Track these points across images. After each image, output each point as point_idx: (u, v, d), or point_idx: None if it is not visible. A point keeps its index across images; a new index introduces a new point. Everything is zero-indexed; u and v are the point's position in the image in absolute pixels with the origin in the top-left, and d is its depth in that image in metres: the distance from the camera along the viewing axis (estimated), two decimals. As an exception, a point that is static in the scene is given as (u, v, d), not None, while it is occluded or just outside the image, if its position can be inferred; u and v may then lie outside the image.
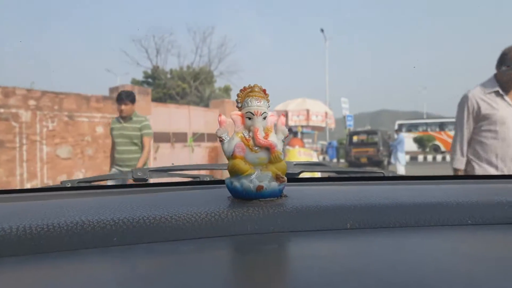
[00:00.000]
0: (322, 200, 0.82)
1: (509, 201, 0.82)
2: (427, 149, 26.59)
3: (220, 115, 0.88)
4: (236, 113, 0.86)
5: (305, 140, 17.60)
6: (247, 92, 0.85)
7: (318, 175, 4.06)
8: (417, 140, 26.63)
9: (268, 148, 0.84)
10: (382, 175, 1.64)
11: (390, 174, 1.62)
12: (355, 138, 20.67)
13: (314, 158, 11.04)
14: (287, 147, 10.52)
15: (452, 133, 30.59)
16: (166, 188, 1.30)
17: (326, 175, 1.75)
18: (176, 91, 31.75)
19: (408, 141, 24.91)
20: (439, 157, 25.02)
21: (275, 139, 0.85)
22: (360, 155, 19.45)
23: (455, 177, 1.54)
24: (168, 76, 33.57)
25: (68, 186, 1.50)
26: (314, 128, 18.13)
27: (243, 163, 0.82)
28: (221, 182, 1.43)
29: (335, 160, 25.23)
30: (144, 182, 1.59)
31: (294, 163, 1.66)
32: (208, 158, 15.12)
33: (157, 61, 35.71)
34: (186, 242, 0.69)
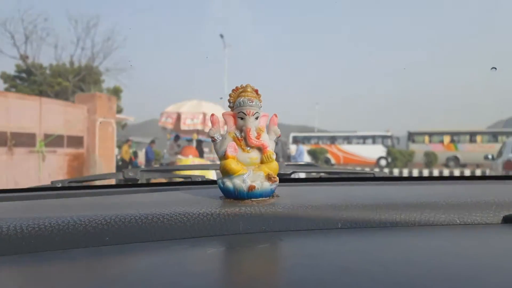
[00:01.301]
0: (313, 199, 0.83)
1: (496, 201, 0.83)
2: (319, 162, 26.63)
3: (212, 115, 0.88)
4: (228, 113, 0.87)
5: (204, 149, 15.59)
6: (239, 92, 0.85)
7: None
8: (311, 153, 26.91)
9: (260, 148, 0.84)
10: (372, 175, 1.66)
11: (381, 175, 1.63)
12: None
13: (211, 171, 10.32)
14: (179, 156, 9.83)
15: (341, 146, 27.07)
16: (158, 188, 1.30)
17: (317, 175, 1.75)
18: (55, 90, 26.55)
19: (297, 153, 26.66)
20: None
21: (267, 139, 0.86)
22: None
23: (445, 177, 1.55)
24: (47, 72, 28.39)
25: (59, 186, 1.49)
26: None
27: (235, 163, 0.83)
28: (213, 182, 1.43)
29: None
30: (135, 183, 1.58)
31: (286, 163, 1.67)
32: (67, 169, 11.56)
33: (26, 50, 29.86)
34: (179, 242, 0.69)
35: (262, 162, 0.85)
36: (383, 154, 27.21)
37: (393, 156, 26.25)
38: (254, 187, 0.81)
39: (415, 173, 21.44)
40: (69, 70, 28.47)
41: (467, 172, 22.20)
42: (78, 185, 1.56)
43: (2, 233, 0.66)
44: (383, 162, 26.91)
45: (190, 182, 1.54)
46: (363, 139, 29.39)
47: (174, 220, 0.72)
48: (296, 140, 20.53)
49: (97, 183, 1.66)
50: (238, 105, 0.84)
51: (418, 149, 27.17)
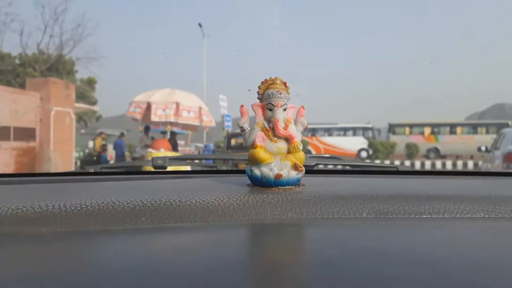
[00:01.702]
0: (338, 189, 0.85)
1: None
2: None
3: (242, 106, 0.91)
4: (257, 104, 0.90)
5: (179, 142, 14.54)
6: (268, 84, 0.88)
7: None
8: None
9: (288, 139, 0.87)
10: (396, 169, 1.66)
11: (404, 169, 1.64)
12: (233, 141, 17.88)
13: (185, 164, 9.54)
14: (149, 149, 9.11)
15: (322, 138, 26.15)
16: (186, 176, 1.33)
17: (340, 168, 1.78)
18: (21, 81, 23.15)
19: None
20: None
21: (294, 130, 0.88)
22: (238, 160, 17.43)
23: (468, 173, 1.54)
24: (17, 61, 26.18)
25: (92, 171, 1.55)
26: (186, 126, 14.15)
27: (263, 152, 0.86)
28: (239, 171, 1.46)
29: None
30: (163, 170, 1.63)
31: (309, 155, 1.68)
32: (15, 166, 10.19)
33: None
34: (210, 224, 0.72)
35: (289, 152, 0.87)
36: (364, 145, 26.93)
37: (375, 148, 26.09)
38: (281, 175, 0.84)
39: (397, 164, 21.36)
40: (37, 59, 26.40)
41: (449, 164, 22.01)
42: (109, 171, 1.61)
43: (48, 211, 0.71)
44: (364, 154, 26.76)
45: (217, 171, 1.57)
46: (344, 131, 29.10)
47: (206, 204, 0.76)
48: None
49: (128, 169, 1.69)
50: (267, 96, 0.87)
51: (399, 140, 27.04)
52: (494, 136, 25.60)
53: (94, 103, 26.08)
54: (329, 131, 29.23)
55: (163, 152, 8.66)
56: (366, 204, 0.79)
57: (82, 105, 17.02)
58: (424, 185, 0.98)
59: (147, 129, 12.11)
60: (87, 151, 16.08)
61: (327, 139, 28.22)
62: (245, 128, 0.91)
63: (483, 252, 0.56)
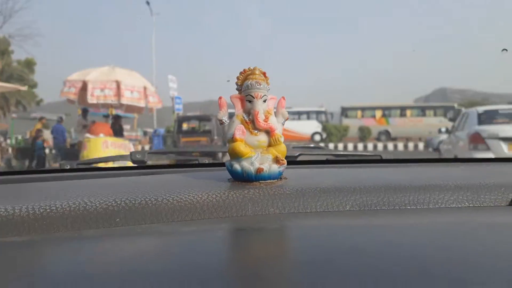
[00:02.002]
0: (321, 182, 0.84)
1: (504, 183, 0.83)
2: None
3: (220, 98, 0.88)
4: (236, 96, 0.87)
5: (125, 127, 13.46)
6: (247, 75, 0.85)
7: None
8: None
9: (268, 131, 0.85)
10: (379, 157, 1.66)
11: (388, 157, 1.64)
12: (184, 126, 17.30)
13: (130, 151, 7.44)
14: (87, 135, 8.07)
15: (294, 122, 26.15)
16: (165, 170, 1.31)
17: (324, 158, 1.77)
18: None
19: None
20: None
21: (275, 122, 0.86)
22: (190, 145, 15.09)
23: (454, 160, 1.56)
24: None
25: (67, 168, 1.50)
26: (130, 108, 12.44)
27: (243, 145, 0.83)
28: (220, 164, 1.44)
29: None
30: (142, 165, 1.60)
31: (292, 146, 1.67)
32: None
33: None
34: (188, 223, 0.70)
35: (270, 144, 0.85)
36: (318, 129, 27.11)
37: (328, 131, 26.37)
38: (262, 169, 0.82)
39: (350, 147, 21.94)
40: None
41: (400, 146, 22.79)
42: (86, 167, 1.58)
43: (15, 214, 0.67)
44: (317, 138, 26.84)
45: (198, 165, 1.54)
46: (298, 114, 28.60)
47: (184, 202, 0.73)
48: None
49: (105, 165, 1.65)
50: (246, 88, 0.84)
51: (352, 124, 27.58)
52: (442, 118, 27.32)
53: (33, 86, 24.04)
54: None
55: (103, 137, 7.82)
56: (350, 196, 0.77)
57: (4, 84, 14.35)
58: (408, 175, 0.98)
59: (85, 112, 10.90)
60: (19, 137, 14.72)
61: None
62: (224, 120, 0.88)
63: (468, 244, 0.56)
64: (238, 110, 0.86)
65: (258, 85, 0.83)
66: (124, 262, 0.51)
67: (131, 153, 1.61)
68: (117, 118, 11.33)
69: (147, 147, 23.10)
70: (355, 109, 29.87)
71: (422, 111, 28.94)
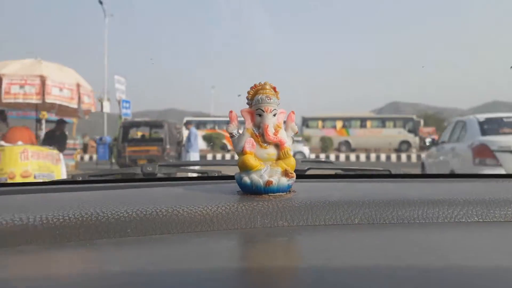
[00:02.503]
0: (330, 195, 0.84)
1: None
2: (215, 147, 25.86)
3: (231, 112, 0.89)
4: (246, 110, 0.88)
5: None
6: (257, 89, 0.87)
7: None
8: (207, 138, 25.56)
9: (278, 145, 0.86)
10: (388, 172, 1.66)
11: (397, 172, 1.64)
12: (133, 133, 15.69)
13: (60, 163, 6.79)
14: (1, 142, 6.59)
15: None
16: (176, 183, 1.31)
17: (333, 172, 1.78)
18: None
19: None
20: (228, 156, 23.26)
21: (284, 136, 0.87)
22: (137, 156, 14.21)
23: (462, 175, 1.54)
24: None
25: (79, 179, 1.51)
26: (62, 111, 9.87)
27: (253, 158, 0.84)
28: (230, 177, 1.44)
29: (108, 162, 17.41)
30: (153, 177, 1.61)
31: (302, 160, 1.68)
32: None
33: None
34: (197, 235, 0.70)
35: (279, 158, 0.86)
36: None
37: None
38: (271, 182, 0.83)
39: (312, 157, 21.91)
40: None
41: (362, 157, 22.74)
42: (98, 179, 1.59)
43: (29, 223, 0.68)
44: None
45: (207, 177, 1.55)
46: None
47: (194, 214, 0.73)
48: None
49: (116, 177, 1.64)
50: (256, 102, 0.86)
51: (313, 134, 27.45)
52: (401, 130, 27.57)
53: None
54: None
55: (21, 145, 6.38)
56: (358, 210, 0.78)
57: None
58: (417, 189, 0.98)
59: (1, 114, 8.17)
60: None
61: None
62: (234, 134, 0.89)
63: (478, 260, 0.56)
64: (248, 124, 0.87)
65: (268, 99, 0.85)
66: (134, 272, 0.52)
67: (141, 165, 1.63)
68: (61, 123, 9.29)
69: (88, 157, 21.32)
70: (316, 119, 29.75)
71: (382, 122, 29.29)
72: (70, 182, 1.44)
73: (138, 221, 0.71)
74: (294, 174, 0.86)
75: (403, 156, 23.31)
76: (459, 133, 7.23)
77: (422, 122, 36.24)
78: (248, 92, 0.88)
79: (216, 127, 28.00)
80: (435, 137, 10.12)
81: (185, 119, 26.37)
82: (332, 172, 1.75)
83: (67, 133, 10.02)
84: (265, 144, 0.85)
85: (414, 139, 27.79)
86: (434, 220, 0.77)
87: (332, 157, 22.85)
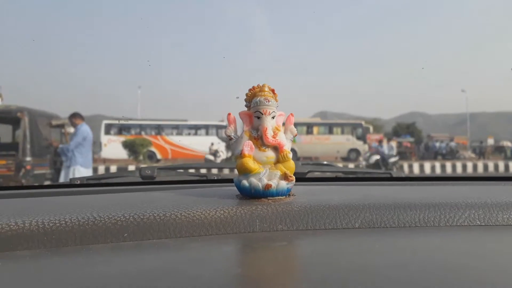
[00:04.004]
0: (330, 199, 0.83)
1: None
2: (141, 157, 21.52)
3: (229, 114, 0.88)
4: (245, 112, 0.87)
5: None
6: (255, 92, 0.86)
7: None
8: (128, 145, 21.22)
9: (277, 147, 0.85)
10: (389, 175, 1.65)
11: (398, 175, 1.63)
12: None
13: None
14: None
15: (170, 138, 22.82)
16: (174, 186, 1.31)
17: (333, 175, 1.77)
18: None
19: (116, 146, 21.35)
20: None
21: (283, 139, 0.86)
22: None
23: (464, 178, 1.53)
24: None
25: (77, 183, 1.52)
26: None
27: (252, 161, 0.83)
28: (229, 180, 1.44)
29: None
30: (152, 180, 1.60)
31: (302, 162, 1.66)
32: None
33: None
34: (196, 239, 0.70)
35: (278, 161, 0.85)
36: (218, 146, 22.13)
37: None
38: (270, 185, 0.82)
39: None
40: None
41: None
42: (96, 183, 1.59)
43: (25, 228, 0.68)
44: (218, 156, 22.45)
45: (206, 181, 1.55)
46: (196, 129, 24.94)
47: (192, 218, 0.73)
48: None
49: (114, 180, 1.63)
50: (254, 104, 0.85)
51: None
52: (349, 136, 25.24)
53: None
54: (178, 129, 24.91)
55: None
56: (359, 214, 0.77)
57: None
58: (418, 193, 0.97)
59: None
60: None
61: (176, 139, 24.13)
62: (232, 137, 0.88)
63: (481, 265, 0.55)
64: (247, 126, 0.86)
65: (266, 101, 0.84)
66: (131, 277, 0.51)
67: (140, 168, 1.63)
68: None
69: None
70: None
71: (329, 128, 26.58)
72: (67, 186, 1.43)
73: (135, 226, 0.70)
74: (294, 178, 0.86)
75: (351, 166, 21.88)
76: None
77: (371, 128, 32.93)
78: (246, 94, 0.87)
79: (143, 132, 24.13)
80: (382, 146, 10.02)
81: (104, 122, 23.61)
82: (333, 174, 1.75)
83: None
84: (264, 147, 0.85)
85: (363, 147, 25.26)
86: (436, 224, 0.77)
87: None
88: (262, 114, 0.84)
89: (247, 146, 0.84)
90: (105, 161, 21.24)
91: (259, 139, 0.85)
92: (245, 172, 0.83)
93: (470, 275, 0.50)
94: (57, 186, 1.43)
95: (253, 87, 0.87)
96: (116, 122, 24.46)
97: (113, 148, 21.84)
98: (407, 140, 29.36)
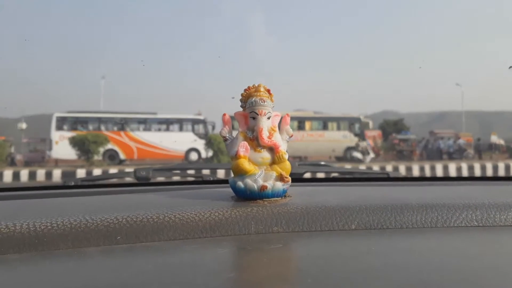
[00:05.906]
0: (326, 200, 0.83)
1: None
2: (96, 157, 17.17)
3: (224, 114, 0.87)
4: (240, 113, 0.86)
5: None
6: (251, 92, 0.85)
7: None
8: (80, 143, 16.69)
9: (272, 148, 0.84)
10: (386, 175, 1.65)
11: (395, 175, 1.63)
12: None
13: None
14: None
15: (135, 134, 19.43)
16: (169, 188, 1.30)
17: (330, 175, 1.76)
18: None
19: (65, 144, 17.52)
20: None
21: (279, 139, 0.85)
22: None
23: (461, 178, 1.53)
24: None
25: (71, 184, 1.52)
26: None
27: (247, 162, 0.82)
28: (224, 181, 1.43)
29: None
30: (146, 181, 1.60)
31: (298, 163, 1.66)
32: None
33: None
34: (190, 241, 0.69)
35: (274, 162, 0.84)
36: (196, 144, 19.50)
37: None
38: (266, 187, 0.81)
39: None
40: None
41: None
42: (90, 184, 1.58)
43: (15, 231, 0.67)
44: (194, 156, 19.78)
45: (202, 182, 1.54)
46: (167, 124, 20.91)
47: (186, 220, 0.72)
48: (61, 120, 11.14)
49: (109, 181, 1.61)
50: (250, 105, 0.84)
51: None
52: (346, 133, 21.92)
53: None
54: (145, 124, 20.58)
55: None
56: (355, 215, 0.76)
57: None
58: (416, 194, 0.97)
59: None
60: None
61: (143, 135, 20.05)
62: (227, 137, 0.87)
63: (478, 265, 0.55)
64: (242, 127, 0.86)
65: (262, 102, 0.83)
66: (123, 281, 0.51)
67: (135, 170, 1.62)
68: None
69: None
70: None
71: (324, 123, 22.71)
72: (61, 187, 1.42)
73: (128, 228, 0.70)
74: (290, 179, 0.85)
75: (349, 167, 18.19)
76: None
77: (370, 123, 28.68)
78: (242, 95, 0.86)
79: (103, 128, 19.87)
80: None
81: (55, 115, 19.62)
82: (329, 175, 1.75)
83: None
84: (260, 148, 0.84)
85: (362, 145, 21.90)
86: (433, 225, 0.76)
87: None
88: (258, 115, 0.83)
89: (243, 147, 0.83)
90: (57, 162, 18.58)
91: (254, 140, 0.84)
92: (241, 173, 0.82)
93: (468, 276, 0.50)
94: (50, 187, 1.42)
95: (248, 87, 0.86)
96: (70, 115, 20.31)
97: (67, 146, 17.30)
98: (409, 137, 27.18)
